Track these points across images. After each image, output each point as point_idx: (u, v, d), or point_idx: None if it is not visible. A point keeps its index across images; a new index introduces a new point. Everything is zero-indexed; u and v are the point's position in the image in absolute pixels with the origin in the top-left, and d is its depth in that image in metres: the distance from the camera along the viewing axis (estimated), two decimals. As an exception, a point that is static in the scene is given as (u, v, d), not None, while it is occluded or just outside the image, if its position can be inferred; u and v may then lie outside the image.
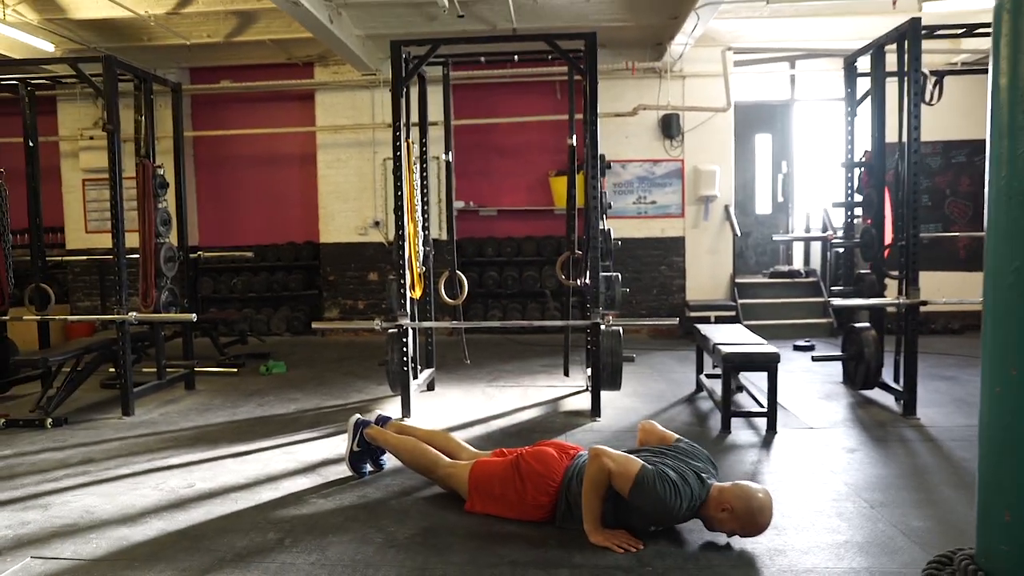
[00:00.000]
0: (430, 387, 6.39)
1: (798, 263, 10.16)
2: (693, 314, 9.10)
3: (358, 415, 4.25)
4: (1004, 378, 2.17)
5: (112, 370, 6.59)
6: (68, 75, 6.49)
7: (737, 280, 9.65)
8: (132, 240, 5.86)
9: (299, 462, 4.45)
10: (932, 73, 5.85)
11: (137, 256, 5.99)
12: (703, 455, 3.40)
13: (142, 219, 5.94)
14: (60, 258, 9.97)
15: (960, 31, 5.42)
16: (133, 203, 5.97)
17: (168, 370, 6.45)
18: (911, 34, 5.14)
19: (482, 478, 3.56)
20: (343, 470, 4.26)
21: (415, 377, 5.88)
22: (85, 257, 9.76)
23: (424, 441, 3.95)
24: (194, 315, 5.93)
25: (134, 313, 5.70)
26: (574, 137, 6.25)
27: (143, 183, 5.96)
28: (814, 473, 4.14)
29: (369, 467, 4.21)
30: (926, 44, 5.47)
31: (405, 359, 5.48)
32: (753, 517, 3.09)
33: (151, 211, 5.96)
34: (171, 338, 7.58)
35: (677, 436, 3.56)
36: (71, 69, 5.85)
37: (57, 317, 6.75)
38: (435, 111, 6.65)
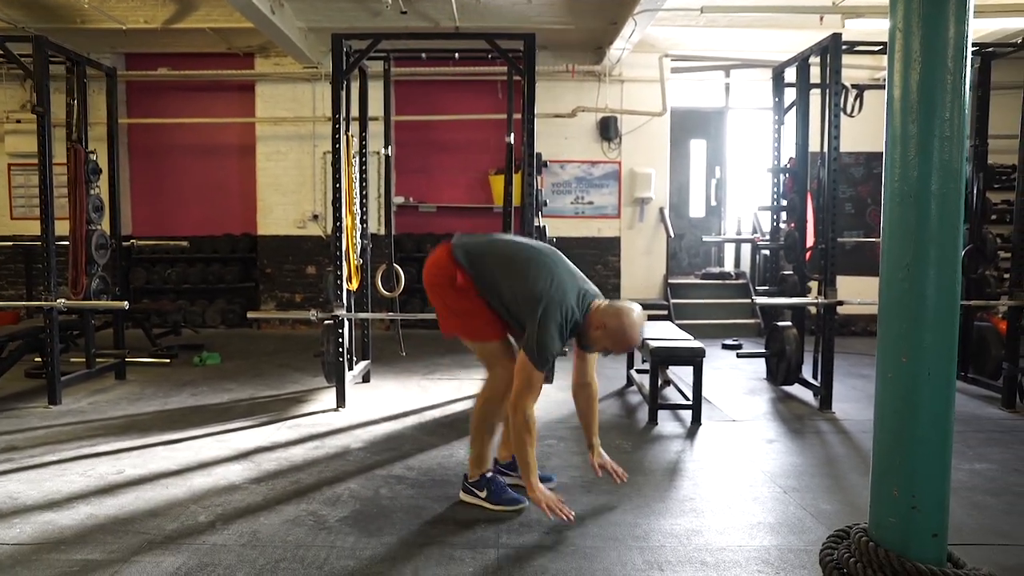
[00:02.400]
0: (365, 379, 6.43)
1: (729, 265, 10.51)
2: (627, 313, 9.32)
3: (460, 493, 3.64)
4: (896, 365, 2.36)
5: (38, 360, 6.43)
6: (-5, 55, 6.30)
7: (670, 280, 9.93)
8: (62, 228, 5.73)
9: (232, 449, 4.45)
10: (854, 86, 6.15)
11: (66, 243, 5.87)
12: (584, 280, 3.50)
13: (73, 205, 5.83)
14: (-18, 244, 9.64)
15: (877, 48, 5.72)
16: (63, 189, 5.85)
17: (98, 360, 6.32)
18: (832, 49, 5.42)
19: (461, 327, 3.55)
20: (276, 457, 4.30)
21: (350, 368, 5.91)
22: (10, 243, 9.44)
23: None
24: (126, 303, 5.85)
25: (62, 300, 5.58)
26: (512, 135, 6.38)
27: (75, 168, 5.85)
28: (734, 462, 4.35)
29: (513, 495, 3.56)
30: (849, 59, 5.77)
31: (341, 350, 5.52)
32: (625, 333, 3.27)
33: (83, 197, 5.85)
34: (101, 328, 7.42)
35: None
36: (-1, 49, 5.70)
37: (-21, 304, 6.56)
38: (376, 106, 6.69)
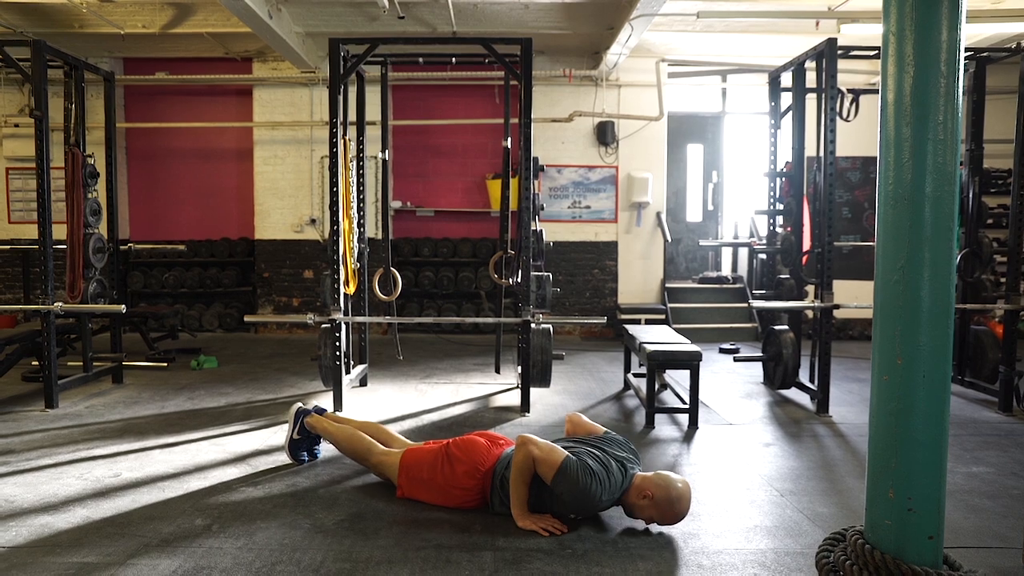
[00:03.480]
0: (363, 383, 6.43)
1: (726, 269, 10.54)
2: (624, 316, 9.34)
3: (299, 404, 4.29)
4: (891, 367, 2.37)
5: (35, 363, 6.43)
6: (-7, 59, 6.31)
7: (667, 285, 9.94)
8: (59, 231, 5.73)
9: (229, 453, 4.45)
10: (849, 91, 6.18)
11: (64, 247, 5.87)
12: (628, 446, 3.56)
13: (70, 208, 5.82)
14: (-21, 248, 9.63)
15: (872, 53, 5.75)
16: (61, 193, 5.86)
17: (95, 364, 6.31)
18: (827, 53, 5.45)
19: (412, 464, 3.66)
20: (273, 460, 4.30)
21: (347, 372, 5.91)
22: (7, 247, 9.43)
23: (359, 430, 4.03)
24: (123, 307, 5.83)
25: (60, 304, 5.58)
26: (509, 140, 6.40)
27: (72, 172, 5.85)
28: (731, 465, 4.35)
29: (306, 456, 4.26)
30: (845, 64, 5.81)
31: (338, 354, 5.52)
32: (672, 505, 3.25)
33: (80, 200, 5.85)
34: (99, 332, 7.42)
35: (604, 429, 3.71)
36: (-3, 53, 5.70)
37: (-24, 308, 6.55)
38: (374, 111, 6.71)
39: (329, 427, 4.11)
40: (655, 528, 3.35)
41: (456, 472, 3.53)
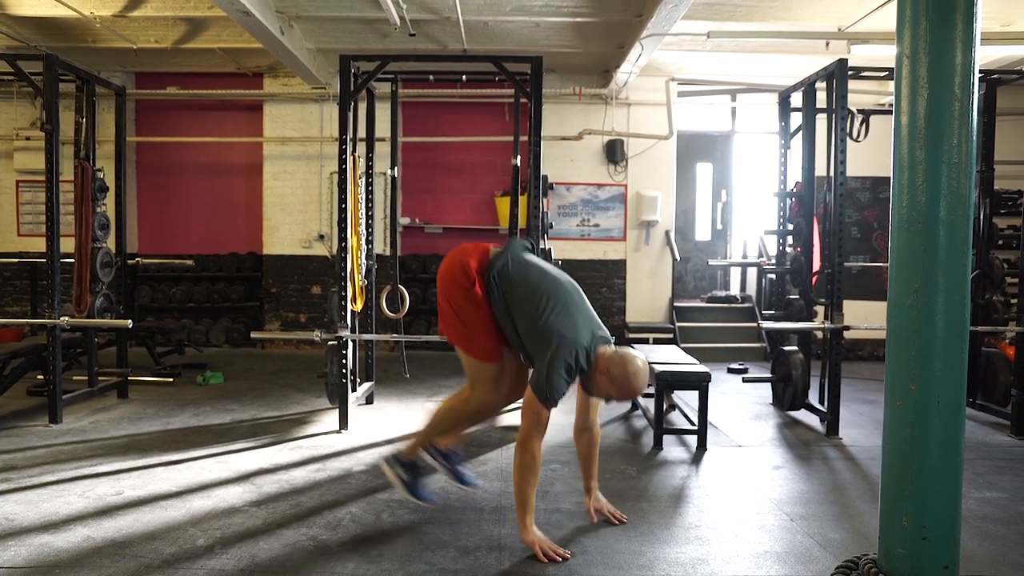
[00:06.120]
0: (369, 400, 6.39)
1: (735, 289, 10.47)
2: (632, 336, 9.29)
3: (381, 459, 3.90)
4: (904, 392, 2.33)
5: (40, 377, 6.42)
6: (5, 72, 6.36)
7: (676, 304, 9.89)
8: (68, 245, 5.74)
9: (233, 471, 4.41)
10: (859, 111, 6.16)
11: (72, 260, 5.87)
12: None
13: (79, 222, 5.84)
14: (-11, 260, 9.67)
15: (883, 74, 5.74)
16: (70, 207, 5.87)
17: (100, 378, 6.30)
18: (838, 74, 5.43)
19: (450, 334, 3.56)
20: (278, 479, 4.26)
21: (354, 390, 5.87)
22: (16, 260, 9.47)
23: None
24: (129, 321, 5.82)
25: (66, 318, 5.58)
26: (518, 157, 6.39)
27: (81, 185, 5.87)
28: (740, 488, 4.30)
29: (431, 493, 3.87)
30: (854, 84, 5.78)
31: (344, 371, 5.49)
32: (628, 381, 3.24)
33: (88, 214, 5.86)
34: (105, 346, 7.41)
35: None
36: (9, 66, 5.74)
37: (-16, 321, 6.56)
38: (383, 127, 6.72)
39: (421, 433, 3.71)
40: (661, 555, 3.30)
41: (468, 294, 3.45)
